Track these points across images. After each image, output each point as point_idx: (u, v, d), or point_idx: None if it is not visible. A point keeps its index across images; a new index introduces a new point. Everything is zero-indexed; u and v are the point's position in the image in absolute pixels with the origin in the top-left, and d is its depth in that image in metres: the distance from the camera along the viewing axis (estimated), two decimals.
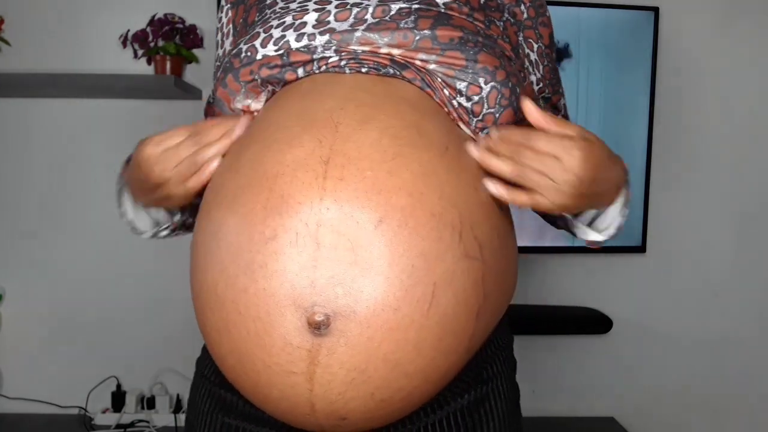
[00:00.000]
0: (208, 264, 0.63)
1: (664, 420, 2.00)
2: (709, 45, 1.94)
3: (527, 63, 0.81)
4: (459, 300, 0.61)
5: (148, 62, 1.77)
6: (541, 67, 0.83)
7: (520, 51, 0.81)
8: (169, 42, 1.74)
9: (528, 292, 1.95)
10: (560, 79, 0.87)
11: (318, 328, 0.58)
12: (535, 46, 0.82)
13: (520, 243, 1.80)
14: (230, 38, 0.84)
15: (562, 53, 1.81)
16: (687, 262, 1.98)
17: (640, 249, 1.87)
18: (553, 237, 1.83)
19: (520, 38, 0.81)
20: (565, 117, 0.87)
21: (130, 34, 1.76)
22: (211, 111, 0.87)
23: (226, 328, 0.62)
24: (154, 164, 0.71)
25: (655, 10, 1.83)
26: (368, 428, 0.64)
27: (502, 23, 0.78)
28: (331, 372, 0.58)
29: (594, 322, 1.89)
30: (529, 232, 1.83)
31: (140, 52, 1.76)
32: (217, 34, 0.87)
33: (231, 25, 0.84)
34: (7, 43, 1.77)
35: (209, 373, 0.78)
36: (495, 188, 0.65)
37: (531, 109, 0.64)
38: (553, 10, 1.78)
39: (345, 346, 0.58)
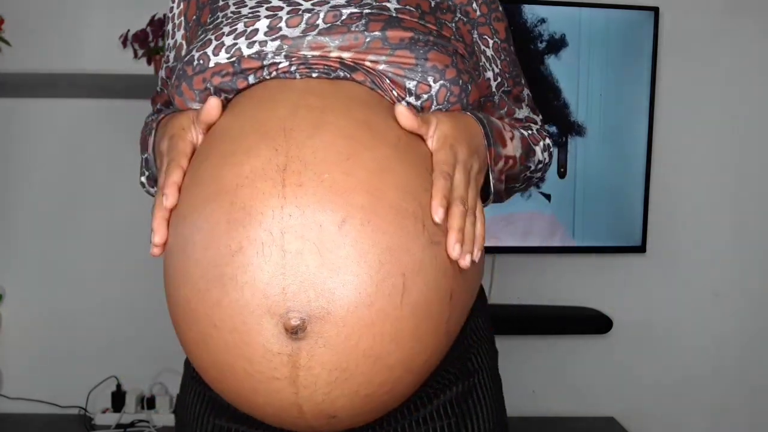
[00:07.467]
0: (179, 280, 0.64)
1: (664, 420, 2.00)
2: (709, 45, 1.94)
3: (483, 59, 0.83)
4: (430, 286, 0.62)
5: (148, 62, 1.77)
6: (498, 61, 0.84)
7: (476, 48, 0.82)
8: None
9: (528, 292, 1.95)
10: (521, 71, 0.89)
11: (295, 332, 0.58)
12: (491, 42, 0.83)
13: (523, 244, 1.81)
14: (181, 31, 0.85)
15: (558, 44, 1.81)
16: (687, 262, 1.98)
17: (640, 249, 1.87)
18: (558, 238, 1.83)
19: (475, 36, 0.82)
20: (530, 107, 0.89)
21: (130, 34, 1.76)
22: (160, 99, 0.90)
23: (204, 341, 0.62)
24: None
25: (655, 10, 1.83)
26: (359, 423, 0.65)
27: (454, 24, 0.79)
28: (314, 374, 0.59)
29: (594, 322, 1.89)
30: (534, 233, 1.83)
31: (140, 52, 1.76)
32: (167, 23, 0.88)
33: (183, 18, 0.85)
34: (7, 43, 1.77)
35: (198, 374, 0.78)
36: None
37: (402, 115, 0.66)
38: (553, 10, 1.80)
39: (324, 347, 0.58)
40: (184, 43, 0.84)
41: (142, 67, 1.78)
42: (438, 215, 0.62)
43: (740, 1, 1.94)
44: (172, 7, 0.87)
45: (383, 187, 0.61)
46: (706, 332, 1.99)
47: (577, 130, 1.83)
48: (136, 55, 1.77)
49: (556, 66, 1.81)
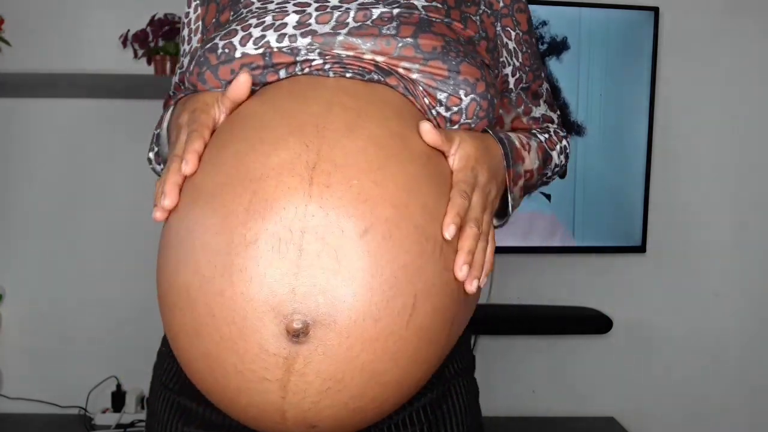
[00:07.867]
0: (180, 263, 0.62)
1: (664, 420, 2.00)
2: (709, 45, 1.94)
3: (505, 53, 0.82)
4: (437, 311, 0.61)
5: (148, 62, 1.77)
6: (519, 54, 0.84)
7: (498, 42, 0.82)
8: (169, 42, 1.74)
9: (528, 292, 1.95)
10: (542, 63, 0.88)
11: (296, 335, 0.57)
12: (513, 33, 0.83)
13: (523, 244, 1.81)
14: (198, 35, 0.83)
15: (560, 47, 1.81)
16: (687, 262, 1.98)
17: (640, 249, 1.87)
18: (558, 238, 1.83)
19: (498, 29, 0.81)
20: (548, 103, 0.88)
21: (130, 34, 1.76)
22: (173, 102, 0.87)
23: (197, 331, 0.60)
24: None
25: (655, 10, 1.83)
26: None
27: (478, 17, 0.79)
28: (307, 381, 0.58)
29: (594, 322, 1.88)
30: (534, 233, 1.83)
31: (140, 52, 1.76)
32: (183, 28, 0.85)
33: (200, 23, 0.83)
34: (7, 43, 1.77)
35: (167, 380, 0.77)
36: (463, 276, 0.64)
37: (427, 132, 0.66)
38: (553, 10, 1.80)
39: (323, 355, 0.57)
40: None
41: (142, 67, 1.78)
42: (449, 232, 0.61)
43: (740, 1, 1.94)
44: (188, 13, 0.85)
45: (409, 204, 0.60)
46: (706, 332, 1.99)
47: (577, 130, 1.83)
48: (136, 55, 1.77)
49: (557, 66, 1.81)
